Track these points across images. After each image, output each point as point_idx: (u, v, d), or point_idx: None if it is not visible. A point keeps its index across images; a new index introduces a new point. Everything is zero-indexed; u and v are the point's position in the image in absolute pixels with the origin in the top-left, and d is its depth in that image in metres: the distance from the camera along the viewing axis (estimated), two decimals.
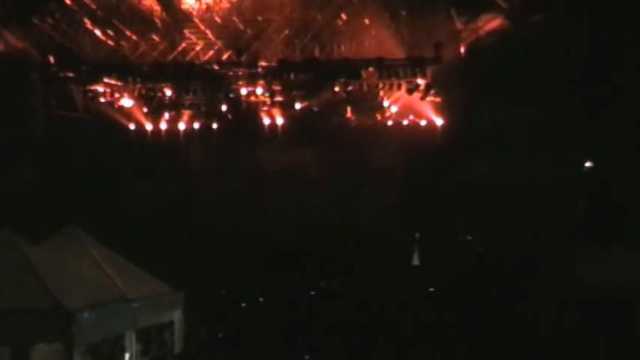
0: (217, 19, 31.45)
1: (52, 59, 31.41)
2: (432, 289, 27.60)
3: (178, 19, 31.59)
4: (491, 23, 29.70)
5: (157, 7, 31.39)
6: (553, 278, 26.18)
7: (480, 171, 29.94)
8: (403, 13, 31.16)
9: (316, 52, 31.91)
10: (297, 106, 32.66)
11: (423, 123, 32.36)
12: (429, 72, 30.78)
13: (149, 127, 33.43)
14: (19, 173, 30.47)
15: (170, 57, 32.54)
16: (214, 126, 33.21)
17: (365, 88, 31.56)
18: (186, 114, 33.23)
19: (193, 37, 32.39)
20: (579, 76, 28.28)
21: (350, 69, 31.12)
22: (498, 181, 29.40)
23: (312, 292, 27.84)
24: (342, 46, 31.99)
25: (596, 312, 23.91)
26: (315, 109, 32.86)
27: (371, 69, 31.11)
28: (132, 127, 33.43)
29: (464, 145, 30.15)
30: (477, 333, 23.77)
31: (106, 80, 31.96)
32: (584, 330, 23.38)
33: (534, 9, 29.15)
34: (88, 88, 31.99)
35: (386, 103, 32.41)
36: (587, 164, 29.67)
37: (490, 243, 28.87)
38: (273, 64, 31.76)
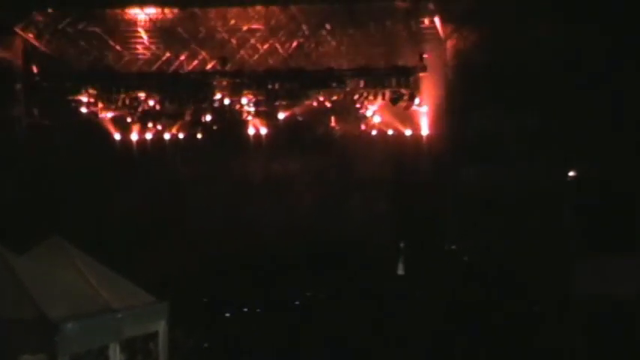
0: (201, 28, 31.42)
1: (35, 69, 31.30)
2: (420, 295, 27.57)
3: (162, 28, 31.53)
4: (478, 31, 29.73)
5: (141, 17, 31.31)
6: (546, 288, 26.18)
7: (468, 180, 29.97)
8: (388, 22, 31.21)
9: (301, 62, 31.89)
10: (281, 115, 32.65)
11: (408, 132, 32.38)
12: (413, 81, 30.82)
13: (134, 136, 33.36)
14: (1, 183, 30.31)
15: (154, 67, 32.49)
16: (199, 136, 33.17)
17: (349, 97, 31.58)
18: (170, 124, 33.18)
19: (178, 47, 32.35)
20: (571, 83, 28.32)
21: (334, 78, 31.15)
22: (487, 189, 29.43)
23: (298, 302, 27.77)
24: (327, 56, 32.00)
25: (591, 322, 23.91)
26: (300, 118, 32.85)
27: (355, 78, 31.15)
28: (117, 137, 33.35)
29: (451, 154, 30.17)
30: (468, 342, 23.75)
31: (89, 90, 31.86)
32: (579, 341, 23.38)
33: (524, 16, 29.20)
34: (71, 97, 31.88)
35: (370, 113, 32.41)
36: (571, 174, 29.71)
37: (480, 252, 28.87)
38: (258, 73, 31.76)
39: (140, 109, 32.43)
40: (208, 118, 32.64)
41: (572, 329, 24.23)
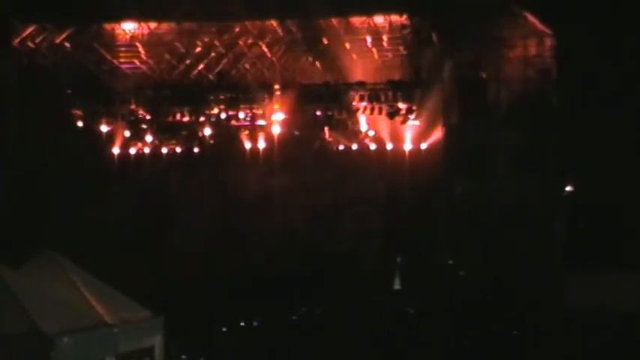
0: (198, 42, 31.44)
1: (31, 82, 31.30)
2: (412, 311, 27.52)
3: (159, 42, 31.55)
4: (475, 48, 29.81)
5: (137, 31, 31.33)
6: (538, 301, 26.16)
7: (463, 194, 29.97)
8: (385, 37, 31.28)
9: (297, 76, 31.91)
10: (276, 129, 32.66)
11: (404, 147, 32.40)
12: (410, 96, 30.83)
13: (130, 150, 33.35)
14: None
15: (150, 81, 32.50)
16: (195, 150, 33.16)
17: (345, 111, 31.58)
18: (166, 138, 33.16)
19: (174, 61, 32.37)
20: (563, 98, 28.39)
21: (331, 93, 31.15)
22: (481, 204, 29.43)
23: (294, 317, 27.70)
24: (323, 70, 32.02)
25: (583, 335, 23.89)
26: (296, 132, 32.86)
27: (352, 93, 31.16)
28: (115, 151, 33.32)
29: (446, 168, 30.17)
30: (462, 354, 23.71)
31: (86, 104, 31.85)
32: (571, 353, 23.35)
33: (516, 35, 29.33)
34: (67, 111, 31.85)
35: (365, 127, 32.42)
36: (568, 188, 29.73)
37: (473, 267, 28.84)
38: (254, 87, 31.77)
39: (136, 123, 32.38)
40: (204, 132, 32.57)
41: (564, 342, 24.19)
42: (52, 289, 18.66)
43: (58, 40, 31.19)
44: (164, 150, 33.35)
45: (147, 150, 33.31)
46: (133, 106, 31.91)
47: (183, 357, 23.83)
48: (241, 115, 32.17)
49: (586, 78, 27.85)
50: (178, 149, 33.34)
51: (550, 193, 29.19)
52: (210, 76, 32.33)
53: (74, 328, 17.57)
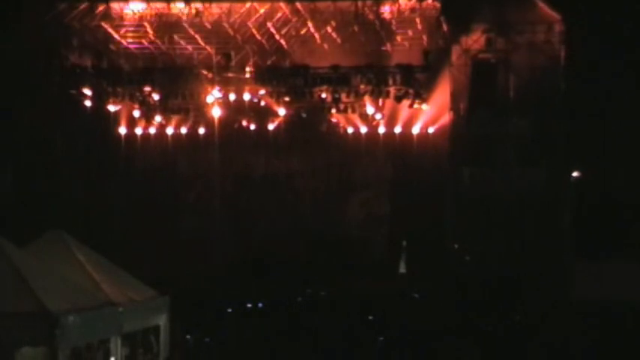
0: (207, 24, 31.38)
1: (39, 62, 31.30)
2: (416, 295, 27.57)
3: (167, 23, 31.50)
4: (484, 33, 29.72)
5: (145, 12, 31.27)
6: (544, 291, 26.16)
7: (469, 181, 29.95)
8: (393, 21, 31.19)
9: (305, 59, 31.85)
10: (282, 111, 32.65)
11: (411, 131, 32.38)
12: (417, 80, 30.78)
13: (137, 131, 33.39)
14: (1, 178, 30.34)
15: (159, 61, 32.47)
16: (201, 131, 33.18)
17: (353, 94, 31.54)
18: (174, 119, 33.19)
19: (182, 42, 32.34)
20: (571, 87, 28.33)
21: (339, 76, 31.08)
22: (487, 191, 29.41)
23: (300, 299, 27.77)
24: (331, 53, 31.95)
25: (590, 327, 23.90)
26: (304, 115, 32.84)
27: (360, 76, 31.10)
28: (121, 131, 33.37)
29: (453, 154, 30.15)
30: (465, 343, 23.74)
31: (94, 84, 31.85)
32: (578, 345, 23.36)
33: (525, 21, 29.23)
34: (75, 92, 31.87)
35: (373, 111, 32.37)
36: (575, 174, 29.68)
37: (479, 253, 28.85)
38: (262, 69, 31.74)
39: (144, 104, 32.39)
40: (212, 113, 32.58)
41: (571, 331, 24.21)
42: (59, 268, 18.74)
43: (66, 20, 31.13)
44: (169, 131, 33.34)
45: (153, 130, 33.32)
46: (141, 87, 31.84)
47: (188, 337, 23.91)
48: (247, 96, 32.12)
49: (594, 65, 27.78)
50: (184, 130, 33.33)
51: (557, 181, 29.15)
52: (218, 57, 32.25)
53: (80, 307, 17.65)
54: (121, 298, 19.15)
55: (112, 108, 32.51)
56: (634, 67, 27.51)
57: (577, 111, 28.48)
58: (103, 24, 31.43)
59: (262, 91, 31.91)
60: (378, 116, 32.56)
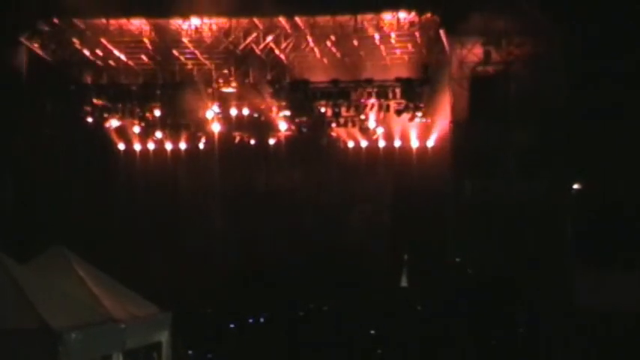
0: (206, 39, 31.42)
1: (39, 79, 31.33)
2: (419, 308, 27.50)
3: (167, 39, 31.54)
4: (483, 46, 29.72)
5: (145, 27, 31.31)
6: (546, 301, 26.09)
7: (471, 191, 29.90)
8: (393, 34, 31.24)
9: (305, 73, 31.88)
10: (283, 126, 32.66)
11: (411, 144, 32.39)
12: (417, 93, 30.81)
13: (137, 147, 33.40)
14: (3, 193, 30.31)
15: (159, 77, 32.51)
16: (201, 146, 33.17)
17: (353, 109, 31.56)
18: (174, 134, 33.19)
19: (182, 58, 32.39)
20: (572, 97, 28.32)
21: (339, 90, 31.13)
22: (489, 203, 29.36)
23: (302, 314, 27.69)
24: (331, 67, 31.99)
25: (591, 337, 23.83)
26: (304, 130, 32.84)
27: (360, 90, 31.14)
28: (121, 147, 33.40)
29: (454, 166, 30.13)
30: (468, 352, 23.67)
31: (94, 100, 31.89)
32: (579, 353, 23.29)
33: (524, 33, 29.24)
34: (76, 108, 31.89)
35: (374, 124, 32.39)
36: (576, 186, 29.65)
37: (482, 265, 28.78)
38: (262, 84, 31.76)
39: (145, 120, 32.41)
40: (212, 128, 32.58)
41: (573, 341, 24.14)
42: (60, 285, 18.67)
43: (65, 36, 31.17)
44: (169, 146, 33.33)
45: (152, 146, 33.33)
46: (141, 103, 31.88)
47: (191, 353, 23.82)
48: (247, 111, 32.15)
49: (594, 76, 27.79)
50: (183, 146, 33.32)
51: (558, 192, 29.12)
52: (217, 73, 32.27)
53: (82, 324, 17.57)
54: (123, 315, 19.08)
55: (112, 123, 32.51)
56: (634, 78, 27.50)
57: (577, 122, 28.45)
58: (103, 39, 31.46)
59: (262, 106, 31.93)
60: (379, 130, 32.56)
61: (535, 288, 26.49)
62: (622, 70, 27.52)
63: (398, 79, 30.95)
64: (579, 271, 26.89)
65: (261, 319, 27.11)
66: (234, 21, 30.88)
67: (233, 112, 32.12)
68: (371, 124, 32.28)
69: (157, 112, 32.06)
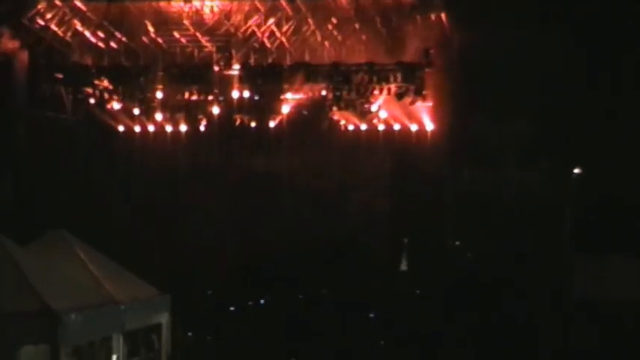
0: (208, 21, 31.36)
1: (41, 60, 31.32)
2: (418, 292, 27.58)
3: (168, 21, 31.49)
4: (482, 30, 29.65)
5: (147, 9, 31.24)
6: (545, 289, 26.16)
7: (470, 178, 29.94)
8: (394, 18, 31.16)
9: (306, 56, 31.85)
10: (285, 109, 32.65)
11: (412, 128, 32.37)
12: (418, 77, 30.78)
13: (138, 129, 33.41)
14: (2, 176, 30.35)
15: (160, 59, 32.46)
16: (202, 129, 33.16)
17: (354, 92, 31.54)
18: (176, 117, 33.18)
19: (183, 40, 32.33)
20: (571, 85, 28.32)
21: (340, 73, 31.10)
22: (488, 188, 29.40)
23: (301, 297, 27.79)
24: (332, 50, 31.95)
25: (589, 324, 23.88)
26: (305, 113, 32.83)
27: (361, 73, 31.11)
28: (120, 129, 33.42)
29: (454, 151, 30.14)
30: (466, 340, 23.75)
31: (95, 82, 31.89)
32: (578, 342, 23.35)
33: (525, 18, 29.17)
34: (77, 89, 31.89)
35: (375, 108, 32.36)
36: (576, 170, 29.66)
37: (480, 251, 28.86)
38: (263, 67, 31.74)
39: (146, 102, 32.40)
40: (212, 111, 32.57)
41: (572, 329, 24.21)
42: (61, 267, 18.79)
43: (67, 18, 31.13)
44: (169, 129, 33.33)
45: (152, 128, 33.34)
46: (143, 85, 31.87)
47: (190, 335, 23.94)
48: (248, 94, 32.12)
49: (593, 64, 27.78)
50: (183, 128, 33.32)
51: (557, 179, 29.14)
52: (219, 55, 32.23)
53: (82, 305, 17.70)
54: (122, 297, 19.20)
55: (115, 105, 32.54)
56: (634, 66, 27.51)
57: (577, 109, 28.46)
58: (104, 22, 31.42)
59: (263, 89, 31.90)
60: (380, 114, 32.54)
61: (534, 277, 26.56)
62: (621, 59, 27.53)
63: (399, 63, 30.90)
64: (578, 259, 26.94)
65: (261, 302, 27.20)
66: (235, 3, 30.79)
67: (234, 94, 32.06)
68: (371, 107, 32.23)
69: (158, 95, 32.03)
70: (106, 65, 31.96)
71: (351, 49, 31.85)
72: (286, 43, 31.97)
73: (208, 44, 32.16)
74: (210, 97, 32.16)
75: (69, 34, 31.65)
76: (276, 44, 31.90)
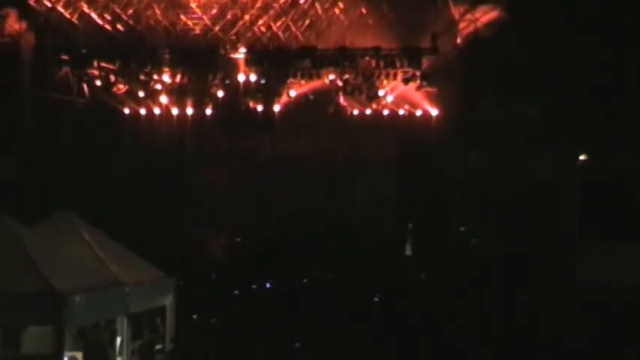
0: (214, 4, 31.31)
1: (47, 42, 31.29)
2: (423, 277, 27.58)
3: (175, 3, 31.45)
4: (490, 14, 29.58)
5: None
6: (550, 275, 26.14)
7: (476, 163, 29.91)
8: (401, 2, 31.08)
9: (313, 40, 31.80)
10: (293, 93, 32.63)
11: (418, 113, 32.33)
12: (425, 62, 30.72)
13: (143, 112, 33.40)
14: (8, 157, 30.37)
15: (166, 42, 32.42)
16: (208, 112, 33.15)
17: (361, 77, 31.49)
18: (181, 100, 33.15)
19: (190, 23, 32.28)
20: (578, 71, 28.23)
21: (346, 58, 31.05)
22: (494, 174, 29.38)
23: (305, 281, 27.80)
24: (339, 35, 31.89)
25: (595, 309, 23.85)
26: (311, 97, 32.80)
27: (367, 58, 31.05)
28: (126, 111, 33.41)
29: (460, 137, 30.11)
30: (470, 326, 23.74)
31: (102, 64, 31.85)
32: (583, 329, 23.31)
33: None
34: (83, 71, 31.88)
35: (381, 93, 32.32)
36: (582, 157, 29.62)
37: (485, 237, 28.83)
38: (270, 51, 31.69)
39: (152, 85, 32.37)
40: (218, 94, 32.54)
41: (575, 315, 24.19)
42: (66, 248, 18.79)
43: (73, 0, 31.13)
44: (175, 112, 33.31)
45: (159, 112, 33.31)
46: (150, 67, 31.83)
47: (195, 317, 23.97)
48: (254, 77, 32.07)
49: (601, 48, 27.71)
50: (190, 111, 33.29)
51: (565, 164, 29.10)
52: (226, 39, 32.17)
53: (87, 287, 17.72)
54: (127, 279, 19.21)
55: (121, 88, 32.51)
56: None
57: (584, 93, 28.37)
58: (111, 4, 31.39)
59: (269, 73, 31.85)
60: (387, 99, 32.49)
61: (540, 260, 26.54)
62: (629, 43, 27.45)
63: (406, 48, 30.84)
64: (585, 244, 26.92)
65: (266, 285, 27.23)
66: None
67: (240, 78, 32.02)
68: (378, 92, 32.18)
69: (165, 77, 31.99)
70: (112, 47, 31.89)
71: (357, 33, 31.78)
72: (293, 27, 31.92)
73: (215, 27, 32.11)
74: (216, 81, 32.11)
75: (75, 15, 31.62)
76: (282, 28, 31.86)
